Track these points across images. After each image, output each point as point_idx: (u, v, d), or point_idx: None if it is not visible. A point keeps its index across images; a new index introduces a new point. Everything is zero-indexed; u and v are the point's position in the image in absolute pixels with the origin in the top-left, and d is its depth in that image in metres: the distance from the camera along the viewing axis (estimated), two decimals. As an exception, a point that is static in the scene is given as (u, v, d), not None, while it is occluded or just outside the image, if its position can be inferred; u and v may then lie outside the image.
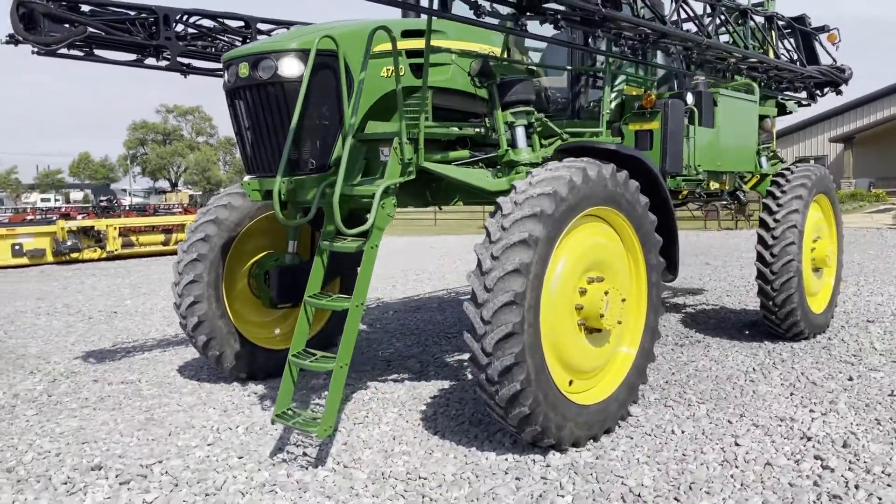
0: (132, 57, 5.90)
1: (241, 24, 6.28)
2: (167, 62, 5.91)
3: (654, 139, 5.66)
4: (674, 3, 5.89)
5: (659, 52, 6.37)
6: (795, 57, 8.13)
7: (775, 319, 7.14)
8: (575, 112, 6.12)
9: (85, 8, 5.40)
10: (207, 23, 6.16)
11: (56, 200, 62.27)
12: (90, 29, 5.30)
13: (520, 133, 5.14)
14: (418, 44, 5.08)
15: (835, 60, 8.62)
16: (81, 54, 5.58)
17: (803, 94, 8.81)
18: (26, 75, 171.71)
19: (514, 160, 5.07)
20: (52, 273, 17.31)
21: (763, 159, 7.95)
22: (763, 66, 7.15)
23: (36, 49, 5.28)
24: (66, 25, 5.26)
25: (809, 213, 7.31)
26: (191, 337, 6.08)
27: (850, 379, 5.91)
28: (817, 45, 8.63)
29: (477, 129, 5.39)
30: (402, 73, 5.05)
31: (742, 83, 7.08)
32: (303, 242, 6.23)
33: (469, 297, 4.28)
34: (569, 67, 5.98)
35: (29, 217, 24.25)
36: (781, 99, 8.73)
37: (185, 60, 6.13)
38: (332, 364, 4.34)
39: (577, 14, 4.85)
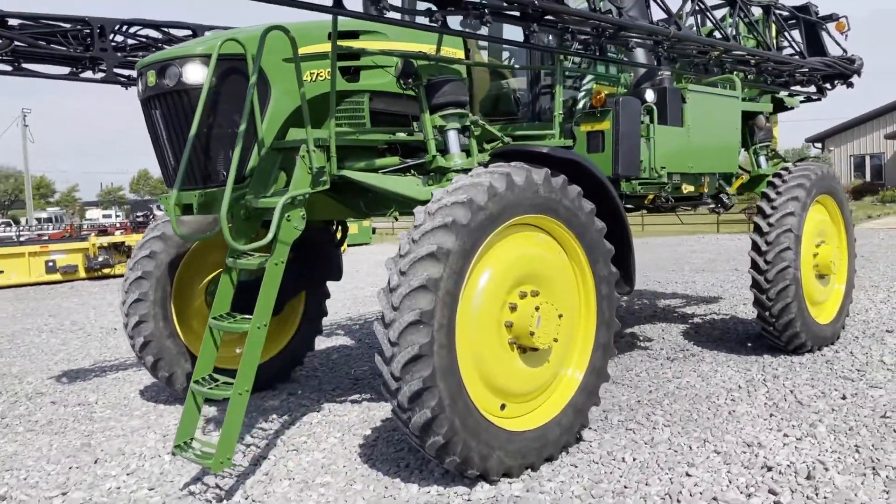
0: (66, 70, 5.74)
1: (189, 32, 6.07)
2: (104, 74, 5.73)
3: (605, 140, 5.20)
4: None
5: (640, 49, 5.93)
6: (798, 49, 7.56)
7: (773, 331, 6.60)
8: (535, 114, 5.72)
9: (13, 22, 5.26)
10: (154, 33, 5.97)
11: (117, 217, 63.95)
12: (16, 42, 5.15)
13: (451, 137, 4.76)
14: (350, 45, 4.81)
15: (845, 51, 7.99)
16: (9, 69, 5.44)
17: (812, 89, 8.22)
18: (94, 97, 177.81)
19: (444, 166, 4.70)
20: (81, 289, 17.51)
21: (762, 159, 7.42)
22: (755, 59, 6.63)
23: None
24: (-5, 40, 5.11)
25: (810, 216, 6.74)
26: (139, 358, 5.89)
27: (844, 397, 5.37)
28: (825, 35, 8.03)
29: (416, 135, 5.03)
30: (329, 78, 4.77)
31: (723, 78, 6.54)
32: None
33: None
34: (517, 66, 5.58)
35: (67, 234, 24.74)
36: (789, 95, 8.16)
37: (127, 73, 5.94)
38: (230, 391, 4.03)
39: (512, 8, 4.48)
